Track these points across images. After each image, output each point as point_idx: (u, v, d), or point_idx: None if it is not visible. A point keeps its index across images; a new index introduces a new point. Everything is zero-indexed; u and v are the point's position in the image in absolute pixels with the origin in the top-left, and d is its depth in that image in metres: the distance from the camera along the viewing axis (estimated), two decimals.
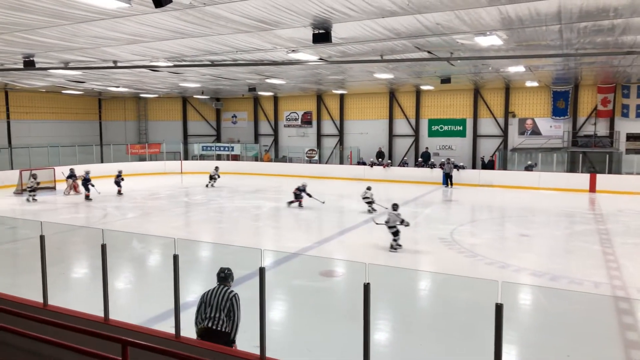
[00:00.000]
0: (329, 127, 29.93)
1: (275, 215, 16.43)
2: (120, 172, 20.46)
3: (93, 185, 18.94)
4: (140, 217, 15.76)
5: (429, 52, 13.15)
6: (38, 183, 17.17)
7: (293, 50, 12.84)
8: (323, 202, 17.22)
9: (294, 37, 11.18)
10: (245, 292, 5.46)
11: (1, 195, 20.34)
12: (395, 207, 11.16)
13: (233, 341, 4.61)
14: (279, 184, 24.13)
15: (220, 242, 12.05)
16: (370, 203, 15.82)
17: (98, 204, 17.86)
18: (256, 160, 30.40)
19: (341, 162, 28.65)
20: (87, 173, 19.24)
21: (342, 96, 29.01)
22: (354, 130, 29.16)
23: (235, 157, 30.82)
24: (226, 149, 31.09)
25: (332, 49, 12.90)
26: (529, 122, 25.11)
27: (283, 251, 10.39)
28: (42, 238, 5.22)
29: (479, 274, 9.25)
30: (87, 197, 18.84)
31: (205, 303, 4.69)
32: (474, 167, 25.46)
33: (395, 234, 10.92)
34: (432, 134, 27.28)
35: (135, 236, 11.81)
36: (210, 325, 4.56)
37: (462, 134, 26.56)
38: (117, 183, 20.16)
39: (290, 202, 17.18)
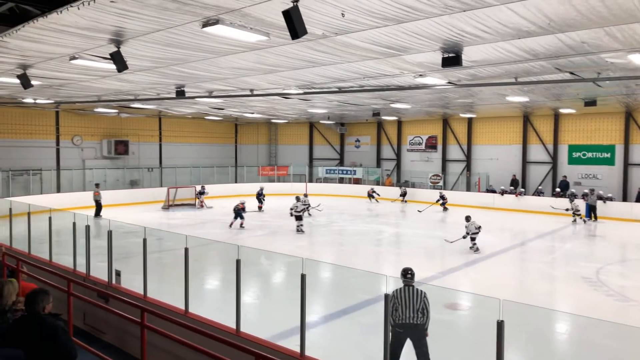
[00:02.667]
0: (455, 152, 28.92)
1: (396, 242, 16.17)
2: (262, 189, 23.00)
3: (264, 200, 22.35)
4: (269, 235, 16.60)
5: (571, 72, 12.08)
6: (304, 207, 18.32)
7: (420, 75, 12.71)
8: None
9: (422, 61, 11.07)
10: (367, 318, 5.43)
11: (151, 209, 22.96)
12: (468, 218, 14.12)
13: (426, 329, 5.71)
14: (400, 209, 23.83)
15: (340, 264, 12.17)
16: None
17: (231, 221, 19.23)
18: (378, 184, 30.43)
19: (468, 189, 27.38)
20: (262, 189, 22.64)
21: (470, 120, 27.92)
22: (482, 156, 27.78)
23: (357, 181, 31.19)
24: (348, 172, 31.65)
25: (461, 72, 12.51)
26: None
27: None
28: (186, 250, 5.73)
29: (631, 321, 8.06)
30: (260, 209, 22.04)
31: (402, 305, 5.67)
32: (624, 199, 22.57)
33: (473, 239, 13.91)
34: (572, 161, 24.85)
35: (264, 253, 12.44)
36: (411, 322, 5.63)
37: (609, 161, 23.77)
38: (259, 199, 22.52)
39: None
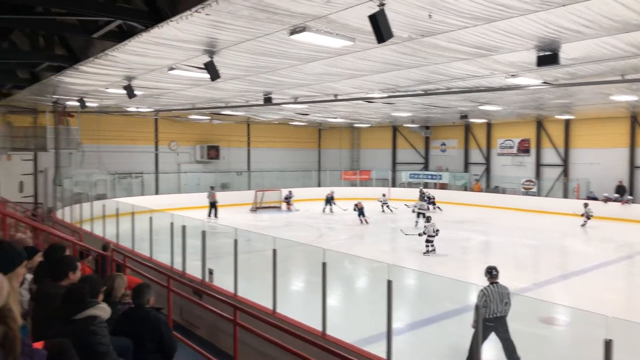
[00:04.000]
0: (550, 156, 27.07)
1: (485, 250, 15.47)
2: (332, 192, 24.00)
3: (335, 204, 23.49)
4: (351, 239, 16.63)
5: None
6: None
7: (512, 75, 12.07)
8: None
9: (515, 61, 10.51)
10: (456, 328, 5.24)
11: (240, 211, 23.96)
12: (429, 219, 14.58)
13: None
14: (489, 216, 22.77)
15: (423, 271, 11.87)
16: None
17: (315, 224, 19.54)
18: (465, 189, 29.31)
19: (565, 196, 25.47)
20: (332, 193, 23.91)
21: (567, 122, 26.00)
22: (582, 160, 25.70)
23: (443, 186, 30.27)
24: (434, 177, 30.81)
25: (558, 71, 11.70)
26: None
27: None
28: (274, 252, 5.90)
29: None
30: (324, 211, 23.52)
31: (493, 301, 6.33)
32: None
33: (429, 241, 14.01)
34: None
35: (348, 257, 12.48)
36: (499, 315, 6.33)
37: None
38: (329, 202, 23.72)
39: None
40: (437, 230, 14.05)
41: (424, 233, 14.09)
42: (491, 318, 6.30)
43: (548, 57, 9.15)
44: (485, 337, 6.24)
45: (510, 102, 19.04)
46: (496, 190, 28.26)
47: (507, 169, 28.72)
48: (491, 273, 6.74)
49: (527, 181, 27.01)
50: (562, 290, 10.63)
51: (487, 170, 29.78)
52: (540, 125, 27.21)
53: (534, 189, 26.59)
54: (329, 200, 23.84)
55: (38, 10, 8.81)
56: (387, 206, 23.65)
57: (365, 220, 19.74)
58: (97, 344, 3.02)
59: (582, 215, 19.81)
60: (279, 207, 25.04)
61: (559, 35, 8.27)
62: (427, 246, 13.99)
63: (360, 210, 19.96)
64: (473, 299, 4.63)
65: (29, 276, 4.18)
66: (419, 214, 19.44)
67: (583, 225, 19.60)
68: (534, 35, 8.28)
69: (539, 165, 27.41)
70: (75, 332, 2.96)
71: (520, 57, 10.00)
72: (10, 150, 19.59)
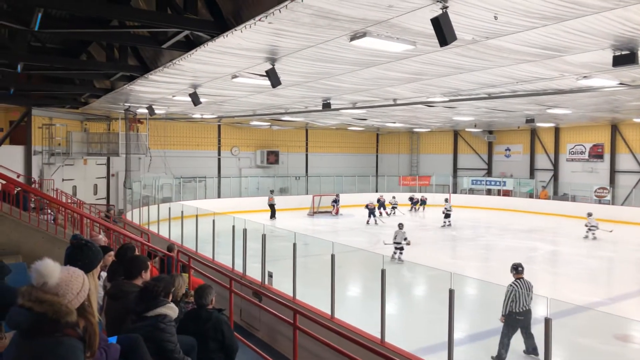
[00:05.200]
0: (627, 162, 25.28)
1: (552, 260, 14.69)
2: (382, 197, 24.30)
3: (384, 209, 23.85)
4: (409, 247, 16.31)
5: None
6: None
7: (585, 77, 11.42)
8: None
9: (587, 61, 9.93)
10: (515, 340, 5.00)
11: (298, 215, 24.22)
12: (400, 226, 14.14)
13: None
14: (557, 225, 21.62)
15: (486, 280, 11.42)
16: None
17: (371, 230, 19.38)
18: (531, 197, 28.01)
19: None
20: (382, 197, 24.24)
21: None
22: None
23: (507, 193, 29.08)
24: (497, 183, 29.69)
25: (637, 71, 10.94)
26: None
27: (569, 302, 9.08)
28: (332, 257, 5.91)
29: None
30: (381, 214, 23.77)
31: (522, 295, 6.74)
32: None
33: (401, 249, 13.57)
34: None
35: (407, 264, 12.27)
36: (527, 308, 6.72)
37: None
38: (383, 205, 23.80)
39: None
40: (405, 239, 13.65)
41: (394, 239, 13.81)
42: (521, 312, 6.66)
43: (625, 57, 8.60)
44: (515, 331, 6.64)
45: (581, 105, 18.00)
46: (565, 197, 26.79)
47: (577, 176, 27.16)
48: (517, 269, 7.27)
49: (599, 189, 25.38)
50: (639, 306, 9.87)
51: (555, 177, 28.31)
52: (615, 129, 25.55)
53: (608, 197, 24.94)
54: (382, 204, 23.78)
55: (113, 23, 9.38)
56: (394, 209, 24.71)
57: (375, 221, 20.96)
58: (165, 341, 3.15)
59: (585, 226, 17.76)
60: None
61: (638, 33, 7.74)
62: (394, 252, 13.55)
63: (371, 211, 21.15)
64: (540, 310, 4.40)
65: (103, 274, 4.44)
66: (446, 215, 20.55)
67: (587, 237, 17.47)
68: (610, 33, 7.81)
69: (613, 171, 25.71)
70: (146, 328, 3.11)
71: (593, 57, 9.45)
72: (86, 155, 20.97)
